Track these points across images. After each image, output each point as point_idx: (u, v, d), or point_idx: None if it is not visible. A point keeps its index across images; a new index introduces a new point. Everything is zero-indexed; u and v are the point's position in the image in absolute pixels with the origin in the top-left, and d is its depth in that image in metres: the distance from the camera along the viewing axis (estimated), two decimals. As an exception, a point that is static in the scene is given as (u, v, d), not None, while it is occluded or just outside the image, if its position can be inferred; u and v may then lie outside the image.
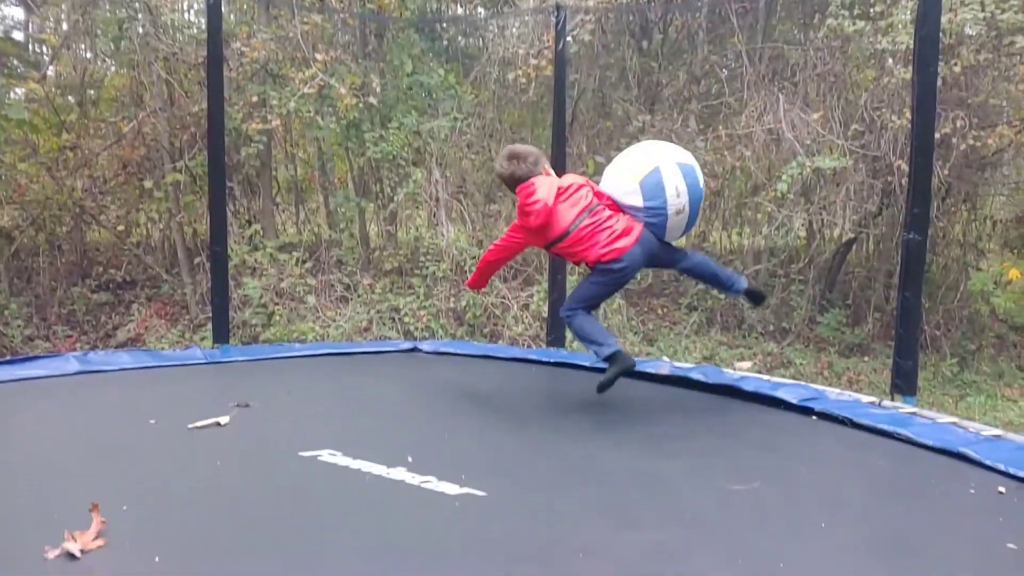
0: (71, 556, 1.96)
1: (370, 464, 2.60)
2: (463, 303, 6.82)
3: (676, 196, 3.38)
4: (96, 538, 2.04)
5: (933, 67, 3.90)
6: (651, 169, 3.38)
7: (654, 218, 3.39)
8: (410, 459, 2.65)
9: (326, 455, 2.70)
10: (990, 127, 6.98)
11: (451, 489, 2.42)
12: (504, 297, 6.99)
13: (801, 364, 7.24)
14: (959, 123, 6.37)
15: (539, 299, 6.87)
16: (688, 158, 3.55)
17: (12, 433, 3.13)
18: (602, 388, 3.38)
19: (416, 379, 4.20)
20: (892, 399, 4.11)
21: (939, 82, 4.10)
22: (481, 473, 2.58)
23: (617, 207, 3.46)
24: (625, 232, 3.33)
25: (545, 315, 6.78)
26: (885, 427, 3.36)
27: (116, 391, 3.82)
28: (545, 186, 3.33)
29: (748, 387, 3.95)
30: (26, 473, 2.61)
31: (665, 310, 8.15)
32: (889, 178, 6.66)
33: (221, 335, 4.72)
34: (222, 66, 4.85)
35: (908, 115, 6.09)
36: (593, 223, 3.33)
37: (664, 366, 4.48)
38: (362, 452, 2.70)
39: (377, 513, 2.30)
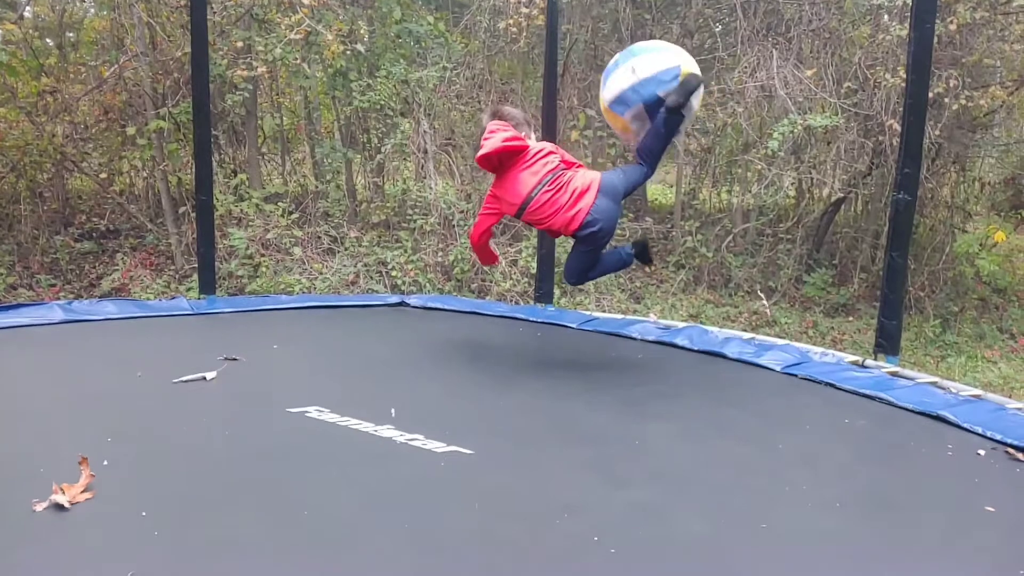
0: (59, 508, 1.97)
1: (357, 421, 2.61)
2: (451, 258, 6.80)
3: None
4: (84, 491, 2.06)
5: (930, 23, 3.85)
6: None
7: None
8: (393, 412, 2.67)
9: (313, 411, 2.71)
10: (983, 87, 6.94)
11: (438, 447, 2.44)
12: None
13: (786, 323, 7.31)
14: (952, 83, 6.32)
15: (527, 255, 6.86)
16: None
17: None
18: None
19: (404, 334, 4.20)
20: (875, 358, 4.17)
21: (934, 40, 4.05)
22: (468, 431, 2.60)
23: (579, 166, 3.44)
24: (585, 190, 3.27)
25: (533, 271, 6.78)
26: (867, 391, 3.43)
27: (101, 341, 3.81)
28: (505, 135, 3.28)
29: (733, 353, 4.00)
30: (12, 424, 2.61)
31: (652, 268, 8.17)
32: (880, 138, 6.63)
33: (207, 286, 4.69)
34: (205, 8, 4.71)
35: (902, 73, 6.05)
36: (553, 188, 3.27)
37: (649, 327, 4.49)
38: (349, 409, 2.71)
39: (364, 470, 2.32)
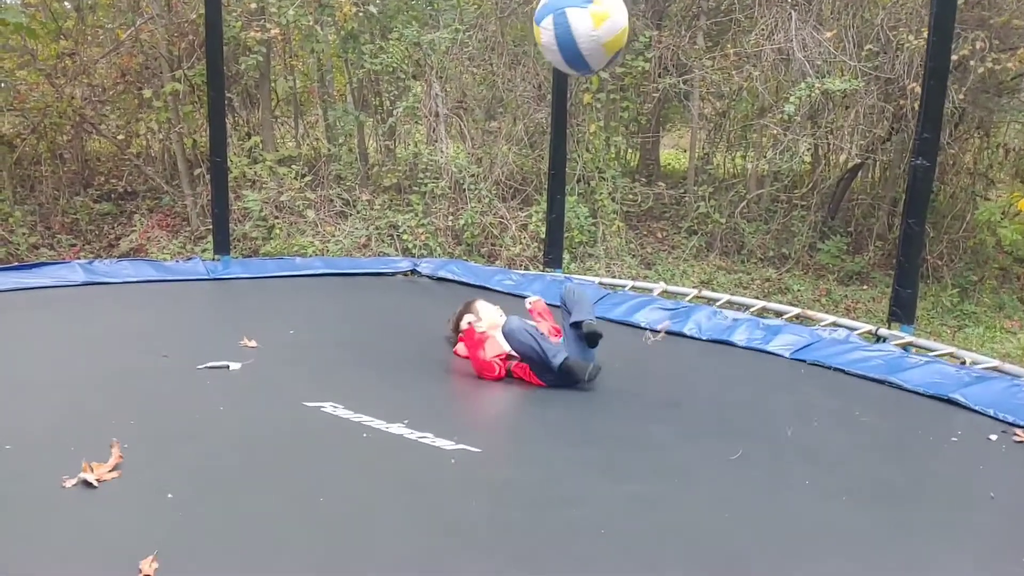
0: (87, 485, 2.05)
1: (370, 418, 2.66)
2: (461, 222, 6.83)
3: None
4: (112, 470, 2.13)
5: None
6: None
7: None
8: (406, 422, 2.69)
9: (328, 407, 2.77)
10: (1011, 50, 6.74)
11: (447, 444, 2.49)
12: (502, 217, 6.99)
13: (799, 291, 7.27)
14: (979, 44, 6.16)
15: (537, 220, 6.87)
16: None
17: (28, 350, 3.22)
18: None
19: (417, 313, 4.21)
20: (889, 327, 4.13)
21: None
22: (476, 430, 2.67)
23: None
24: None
25: (543, 236, 6.80)
26: (876, 376, 3.39)
27: (124, 311, 3.88)
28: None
29: (741, 340, 3.95)
30: (42, 398, 2.70)
31: (664, 233, 8.14)
32: (901, 102, 6.50)
33: (222, 246, 4.78)
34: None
35: (926, 35, 5.90)
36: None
37: (657, 315, 4.39)
38: (363, 406, 2.76)
39: (376, 463, 2.40)
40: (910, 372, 3.38)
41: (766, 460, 2.55)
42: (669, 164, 10.43)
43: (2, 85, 6.71)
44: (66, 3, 7.87)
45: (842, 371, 3.50)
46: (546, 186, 6.93)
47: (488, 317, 3.49)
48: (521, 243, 6.82)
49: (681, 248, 7.73)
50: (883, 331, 4.12)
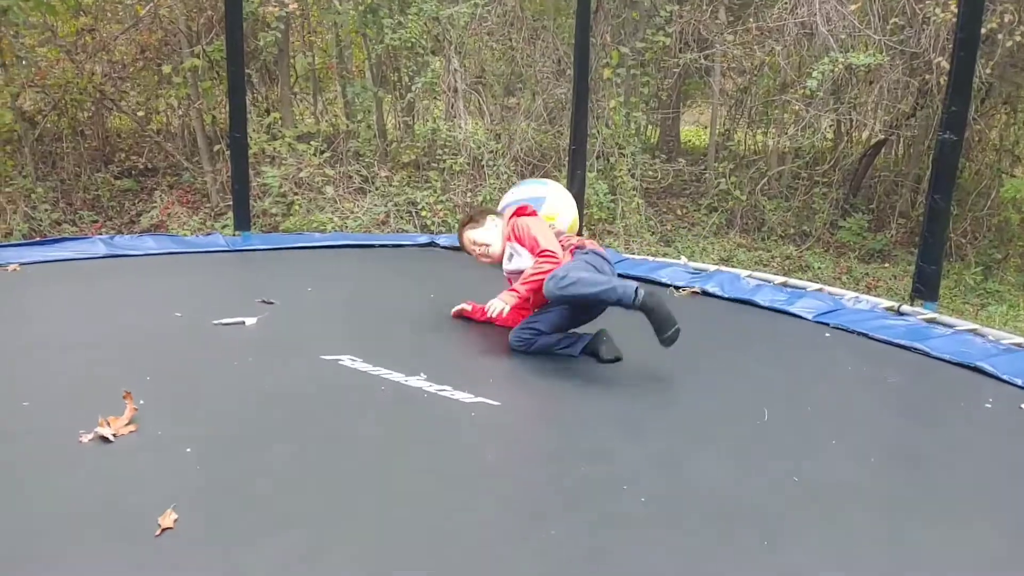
0: (104, 440, 2.07)
1: (388, 371, 2.66)
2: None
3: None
4: (128, 424, 2.16)
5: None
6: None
7: None
8: (423, 375, 2.69)
9: (346, 360, 2.77)
10: (1041, 23, 6.59)
11: (466, 398, 2.49)
12: (522, 193, 6.97)
13: (819, 268, 7.21)
14: (1007, 17, 6.02)
15: (557, 195, 6.84)
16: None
17: (46, 315, 3.27)
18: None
19: (435, 278, 4.21)
20: (912, 304, 4.09)
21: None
22: (495, 385, 2.64)
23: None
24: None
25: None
26: (901, 342, 3.35)
27: (142, 277, 3.93)
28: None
29: (764, 300, 3.96)
30: (60, 358, 2.73)
31: (684, 211, 8.08)
32: (927, 76, 6.38)
33: (242, 222, 4.80)
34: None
35: (954, 8, 5.79)
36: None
37: (680, 272, 4.43)
38: (381, 360, 2.76)
39: (395, 416, 2.40)
40: (936, 340, 3.36)
41: (791, 420, 2.52)
42: (689, 141, 10.33)
43: (23, 62, 6.73)
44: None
45: (867, 336, 3.47)
46: (565, 162, 6.90)
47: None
48: (540, 220, 6.80)
49: (701, 225, 7.68)
50: (906, 308, 4.08)
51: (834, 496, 2.04)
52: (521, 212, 3.17)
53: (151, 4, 6.80)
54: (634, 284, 2.81)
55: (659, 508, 1.92)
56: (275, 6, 6.21)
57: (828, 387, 2.89)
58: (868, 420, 2.60)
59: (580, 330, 3.10)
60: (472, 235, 3.20)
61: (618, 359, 2.94)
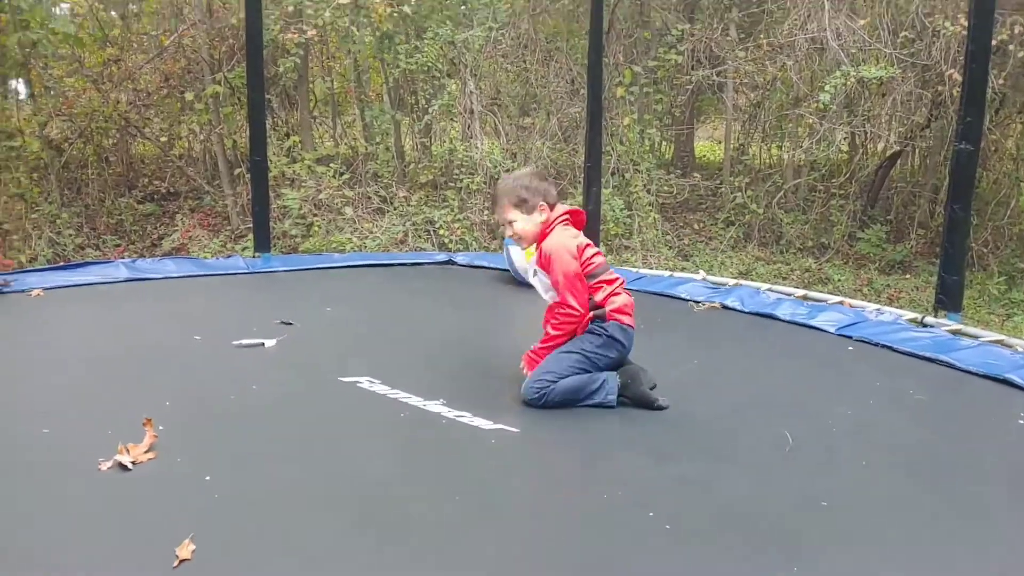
0: (123, 467, 2.07)
1: (407, 395, 2.66)
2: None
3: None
4: (147, 451, 2.16)
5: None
6: None
7: None
8: (443, 401, 2.68)
9: (365, 383, 2.77)
10: (1052, 33, 6.58)
11: (485, 424, 2.47)
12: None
13: (839, 280, 7.18)
14: (1017, 29, 6.03)
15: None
16: None
17: (68, 339, 3.33)
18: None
19: (452, 297, 4.24)
20: (935, 315, 4.07)
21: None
22: (513, 411, 2.61)
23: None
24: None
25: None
26: (926, 354, 3.30)
27: (164, 301, 4.00)
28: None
29: (785, 315, 3.95)
30: (82, 382, 2.78)
31: (701, 225, 8.10)
32: (940, 88, 6.39)
33: (262, 243, 4.89)
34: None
35: (964, 21, 5.80)
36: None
37: (698, 287, 4.46)
38: (400, 383, 2.76)
39: (414, 439, 2.39)
40: (962, 352, 3.31)
41: (817, 437, 2.46)
42: (704, 156, 10.37)
43: (51, 92, 6.94)
44: (112, 12, 8.12)
45: (891, 348, 3.43)
46: (581, 179, 6.95)
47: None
48: (556, 237, 6.85)
49: (719, 239, 7.69)
50: (929, 319, 4.06)
51: (862, 514, 1.99)
52: (576, 216, 2.86)
53: (175, 35, 7.00)
54: (613, 385, 2.69)
55: (685, 532, 1.87)
56: (295, 33, 6.36)
57: (853, 402, 2.83)
58: (896, 435, 2.54)
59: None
60: (510, 216, 2.80)
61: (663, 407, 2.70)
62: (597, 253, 2.83)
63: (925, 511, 2.04)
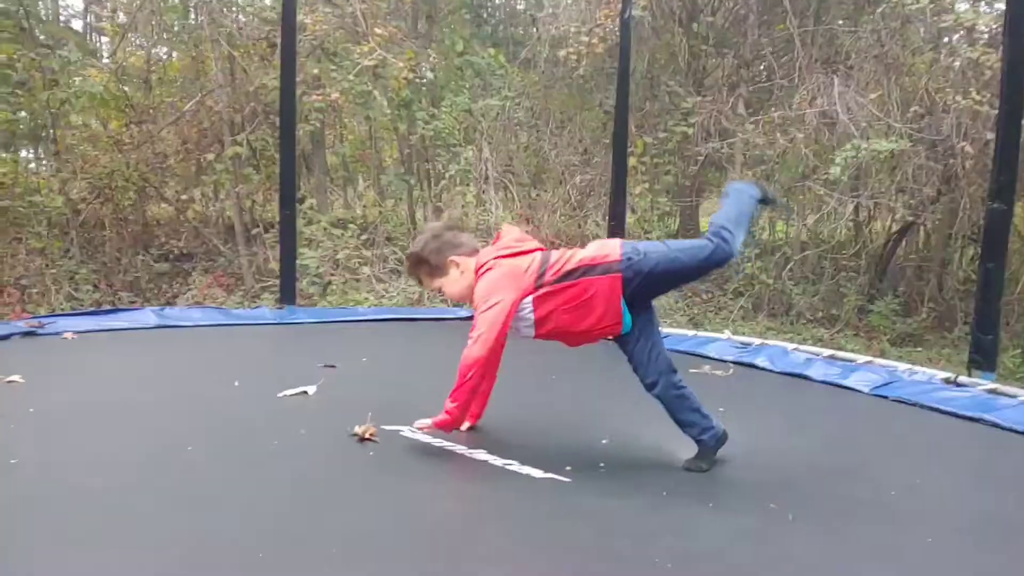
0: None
1: (452, 444, 2.58)
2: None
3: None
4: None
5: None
6: None
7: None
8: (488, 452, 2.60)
9: (407, 431, 2.70)
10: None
11: (535, 472, 2.40)
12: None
13: (852, 350, 7.16)
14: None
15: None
16: None
17: (109, 382, 3.24)
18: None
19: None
20: (969, 374, 4.02)
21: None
22: (560, 459, 2.54)
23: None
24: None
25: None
26: (968, 414, 3.25)
27: (195, 348, 3.94)
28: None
29: (817, 375, 3.89)
30: (127, 426, 2.69)
31: (710, 295, 8.13)
32: (951, 161, 6.55)
33: (287, 295, 4.84)
34: (295, 32, 4.98)
35: (975, 95, 6.02)
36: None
37: (726, 346, 4.42)
38: (441, 432, 2.67)
39: (466, 488, 2.33)
40: (1004, 411, 3.25)
41: (869, 496, 2.41)
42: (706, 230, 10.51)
43: (75, 151, 7.02)
44: (134, 80, 8.32)
45: (929, 408, 3.37)
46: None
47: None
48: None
49: (728, 309, 7.70)
50: (963, 379, 4.02)
51: (935, 572, 1.95)
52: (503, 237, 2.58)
53: (197, 97, 7.15)
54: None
55: None
56: (320, 96, 6.50)
57: (898, 461, 2.78)
58: (952, 495, 2.50)
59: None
60: (435, 285, 2.62)
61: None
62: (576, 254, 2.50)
63: (987, 569, 1.98)
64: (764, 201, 2.73)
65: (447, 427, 2.52)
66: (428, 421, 2.53)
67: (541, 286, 2.43)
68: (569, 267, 2.43)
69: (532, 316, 2.47)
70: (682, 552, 1.95)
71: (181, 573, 1.67)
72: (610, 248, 2.47)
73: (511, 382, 3.48)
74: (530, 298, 2.44)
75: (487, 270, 2.49)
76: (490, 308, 2.43)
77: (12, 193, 6.48)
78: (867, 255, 7.72)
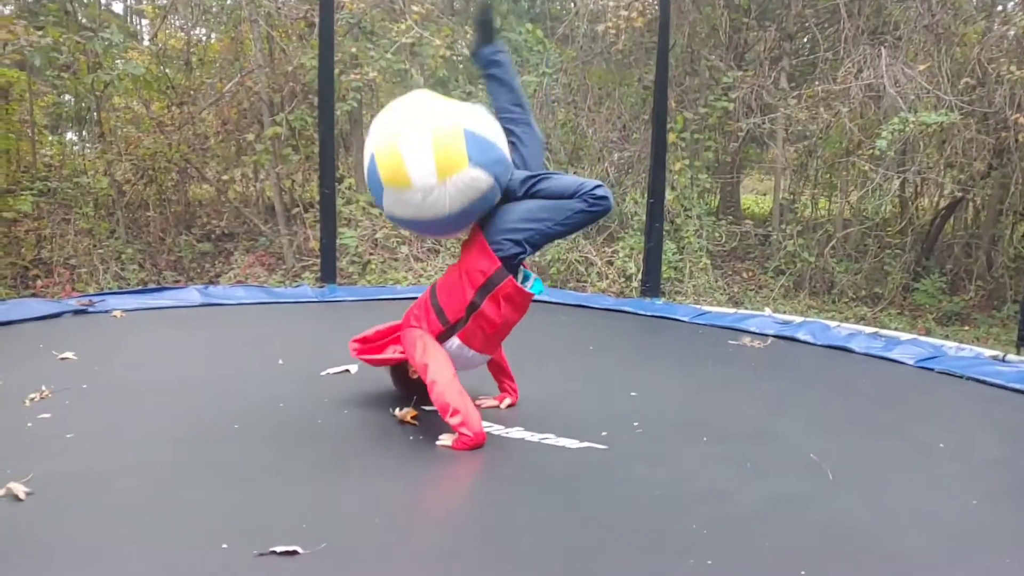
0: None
1: (488, 423, 2.60)
2: (547, 258, 6.87)
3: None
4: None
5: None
6: None
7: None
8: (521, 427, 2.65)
9: None
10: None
11: (571, 444, 2.44)
12: (588, 253, 7.01)
13: (896, 329, 7.01)
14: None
15: (624, 256, 6.86)
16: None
17: (159, 360, 3.31)
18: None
19: (518, 329, 4.20)
20: (1018, 352, 3.96)
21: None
22: (596, 429, 2.58)
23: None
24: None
25: (630, 271, 6.78)
26: (1015, 385, 3.23)
27: (238, 325, 4.01)
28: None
29: (860, 347, 3.87)
30: (180, 402, 2.76)
31: (750, 273, 8.01)
32: (1003, 134, 6.32)
33: (328, 274, 4.89)
34: (333, 10, 4.98)
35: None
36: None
37: (767, 321, 4.40)
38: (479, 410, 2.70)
39: (504, 463, 2.36)
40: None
41: (911, 460, 2.42)
42: (749, 208, 10.34)
43: (119, 133, 7.15)
44: (175, 61, 8.42)
45: (976, 380, 3.33)
46: (628, 223, 6.95)
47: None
48: (607, 278, 6.81)
49: (769, 287, 7.59)
50: (1011, 357, 3.94)
51: (971, 538, 1.93)
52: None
53: (237, 78, 7.21)
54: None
55: (794, 548, 1.83)
56: (358, 75, 6.50)
57: (942, 428, 2.76)
58: (995, 460, 2.49)
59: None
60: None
61: None
62: None
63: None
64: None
65: (469, 442, 2.43)
66: (449, 442, 2.47)
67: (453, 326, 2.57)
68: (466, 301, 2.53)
69: (469, 351, 2.61)
70: (721, 518, 1.96)
71: (231, 546, 1.71)
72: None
73: (540, 360, 3.51)
74: (457, 340, 2.59)
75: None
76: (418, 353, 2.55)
77: (60, 175, 6.64)
78: (913, 232, 7.53)
